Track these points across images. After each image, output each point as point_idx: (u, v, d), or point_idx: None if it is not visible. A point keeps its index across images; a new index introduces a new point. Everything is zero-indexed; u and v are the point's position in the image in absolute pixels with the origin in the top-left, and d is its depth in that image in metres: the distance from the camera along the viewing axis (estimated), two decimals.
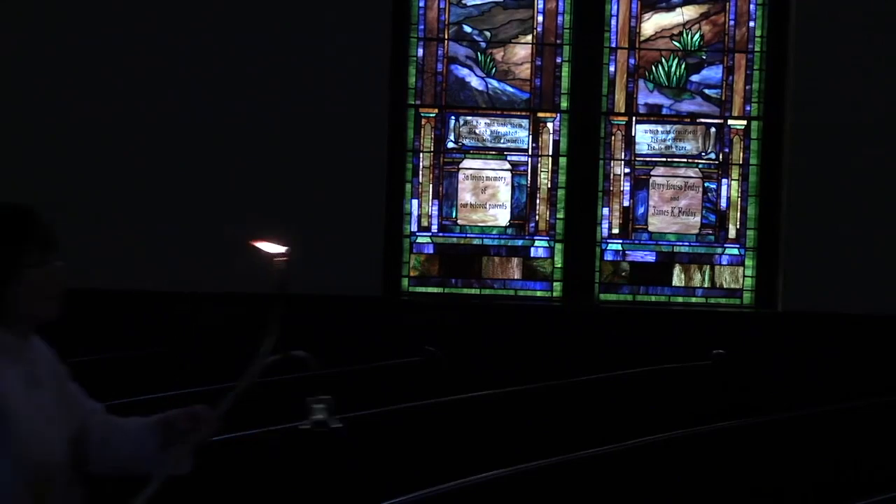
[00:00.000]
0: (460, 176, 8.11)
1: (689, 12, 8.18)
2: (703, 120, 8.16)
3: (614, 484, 6.57)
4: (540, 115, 8.11)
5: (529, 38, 8.14)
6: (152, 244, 7.74)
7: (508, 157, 8.12)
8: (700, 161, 8.14)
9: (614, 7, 8.09)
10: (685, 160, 8.14)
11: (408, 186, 8.04)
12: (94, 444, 3.03)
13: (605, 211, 8.09)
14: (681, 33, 8.16)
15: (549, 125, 8.10)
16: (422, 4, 8.06)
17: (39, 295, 2.86)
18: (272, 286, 2.96)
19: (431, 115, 8.09)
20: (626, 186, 8.12)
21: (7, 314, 2.85)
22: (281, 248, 3.01)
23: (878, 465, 6.32)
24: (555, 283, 8.08)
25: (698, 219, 8.13)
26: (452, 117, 8.11)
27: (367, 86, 7.84)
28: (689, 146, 8.15)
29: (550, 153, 8.09)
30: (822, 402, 6.73)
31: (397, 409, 6.31)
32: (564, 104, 8.08)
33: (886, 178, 7.83)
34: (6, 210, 2.88)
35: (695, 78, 8.17)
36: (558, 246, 8.08)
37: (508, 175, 8.11)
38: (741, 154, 8.11)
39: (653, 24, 8.17)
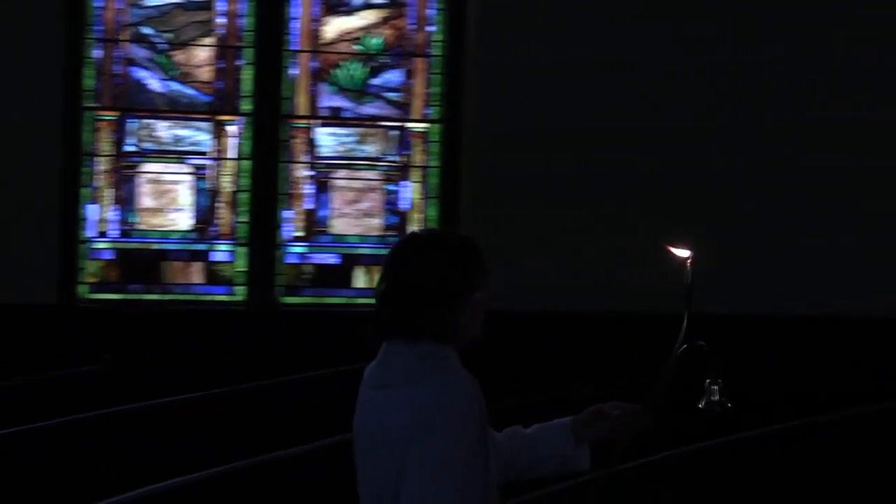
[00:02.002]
0: (140, 180, 7.96)
1: (369, 16, 8.26)
2: (384, 123, 8.25)
3: (305, 485, 6.58)
4: (221, 118, 8.05)
5: (210, 40, 8.06)
6: None
7: (190, 161, 8.03)
8: (382, 164, 8.24)
9: (295, 10, 8.10)
10: (367, 163, 8.22)
11: (85, 191, 7.85)
12: None
13: (288, 214, 8.09)
14: (361, 37, 8.23)
15: (231, 128, 8.05)
16: (98, 4, 7.88)
17: (478, 318, 3.05)
18: (684, 285, 3.28)
19: (109, 117, 7.92)
20: (309, 189, 8.14)
21: (458, 336, 3.01)
22: (687, 252, 3.31)
23: None
24: (237, 287, 8.04)
25: (380, 221, 8.23)
26: (131, 120, 7.95)
27: (40, 88, 7.61)
28: (371, 149, 8.23)
29: (232, 156, 8.04)
30: (509, 397, 6.89)
31: (72, 420, 6.16)
32: (246, 107, 8.04)
33: (560, 181, 8.08)
34: (460, 240, 3.10)
35: (376, 81, 8.25)
36: (241, 249, 8.03)
37: (190, 179, 8.02)
38: (422, 157, 8.25)
39: (334, 27, 8.21)
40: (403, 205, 8.25)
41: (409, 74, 8.28)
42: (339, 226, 8.18)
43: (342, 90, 8.20)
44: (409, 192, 8.25)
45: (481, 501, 2.97)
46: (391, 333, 3.00)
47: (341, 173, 8.20)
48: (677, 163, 8.17)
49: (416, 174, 8.26)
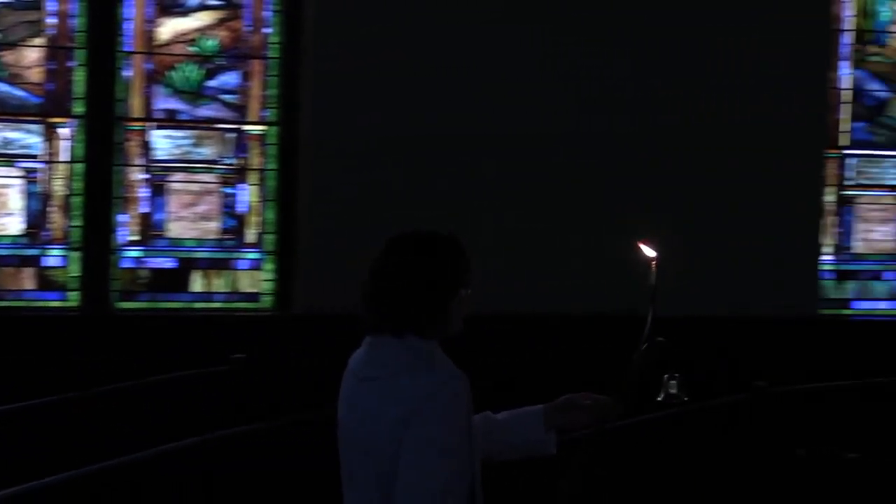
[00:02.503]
0: None
1: (204, 18, 8.19)
2: (220, 125, 8.19)
3: (136, 493, 6.51)
4: (52, 120, 7.89)
5: (40, 40, 7.90)
6: None
7: (20, 164, 7.85)
8: (218, 166, 8.17)
9: (129, 11, 7.98)
10: (204, 165, 8.14)
11: None
12: None
13: (123, 218, 7.97)
14: (196, 39, 8.15)
15: (63, 131, 7.90)
16: None
17: (462, 314, 3.19)
18: (649, 283, 3.45)
19: None
20: (144, 192, 8.03)
21: (444, 330, 3.16)
22: (653, 253, 3.48)
23: None
24: (71, 293, 7.89)
25: (218, 224, 8.16)
26: None
27: None
28: (208, 151, 8.16)
29: (64, 159, 7.89)
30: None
31: None
32: (78, 109, 7.89)
33: (398, 185, 8.09)
34: (446, 239, 3.22)
35: (213, 83, 8.18)
36: (74, 254, 7.89)
37: (20, 182, 7.85)
38: (259, 159, 8.20)
39: (170, 28, 8.12)
40: (241, 208, 8.19)
41: (246, 77, 8.23)
42: (175, 229, 8.08)
43: (177, 92, 8.11)
44: (247, 194, 8.19)
45: (469, 487, 3.09)
46: (379, 328, 3.14)
47: (177, 176, 8.11)
48: (520, 167, 8.28)
49: (253, 177, 8.21)
